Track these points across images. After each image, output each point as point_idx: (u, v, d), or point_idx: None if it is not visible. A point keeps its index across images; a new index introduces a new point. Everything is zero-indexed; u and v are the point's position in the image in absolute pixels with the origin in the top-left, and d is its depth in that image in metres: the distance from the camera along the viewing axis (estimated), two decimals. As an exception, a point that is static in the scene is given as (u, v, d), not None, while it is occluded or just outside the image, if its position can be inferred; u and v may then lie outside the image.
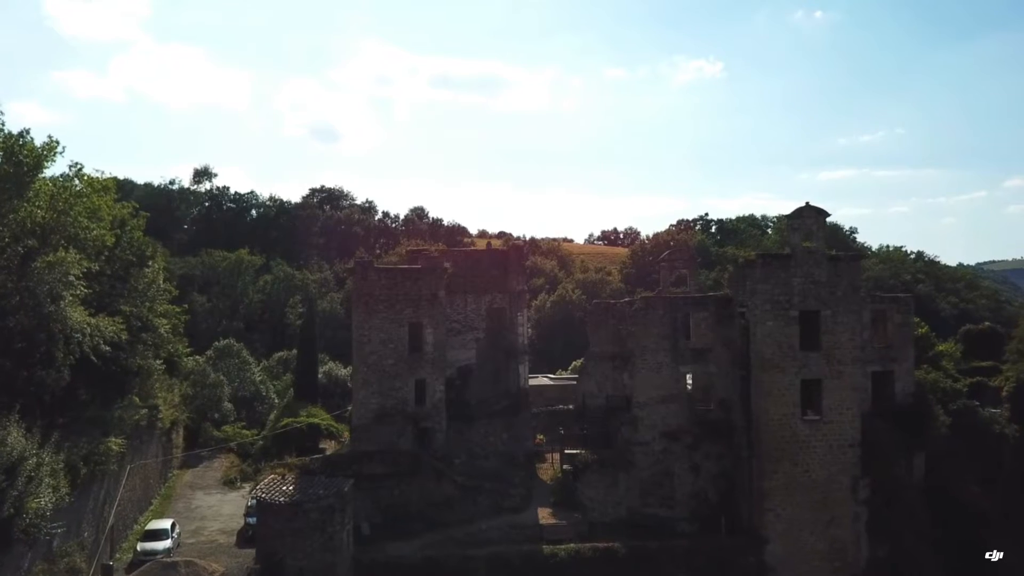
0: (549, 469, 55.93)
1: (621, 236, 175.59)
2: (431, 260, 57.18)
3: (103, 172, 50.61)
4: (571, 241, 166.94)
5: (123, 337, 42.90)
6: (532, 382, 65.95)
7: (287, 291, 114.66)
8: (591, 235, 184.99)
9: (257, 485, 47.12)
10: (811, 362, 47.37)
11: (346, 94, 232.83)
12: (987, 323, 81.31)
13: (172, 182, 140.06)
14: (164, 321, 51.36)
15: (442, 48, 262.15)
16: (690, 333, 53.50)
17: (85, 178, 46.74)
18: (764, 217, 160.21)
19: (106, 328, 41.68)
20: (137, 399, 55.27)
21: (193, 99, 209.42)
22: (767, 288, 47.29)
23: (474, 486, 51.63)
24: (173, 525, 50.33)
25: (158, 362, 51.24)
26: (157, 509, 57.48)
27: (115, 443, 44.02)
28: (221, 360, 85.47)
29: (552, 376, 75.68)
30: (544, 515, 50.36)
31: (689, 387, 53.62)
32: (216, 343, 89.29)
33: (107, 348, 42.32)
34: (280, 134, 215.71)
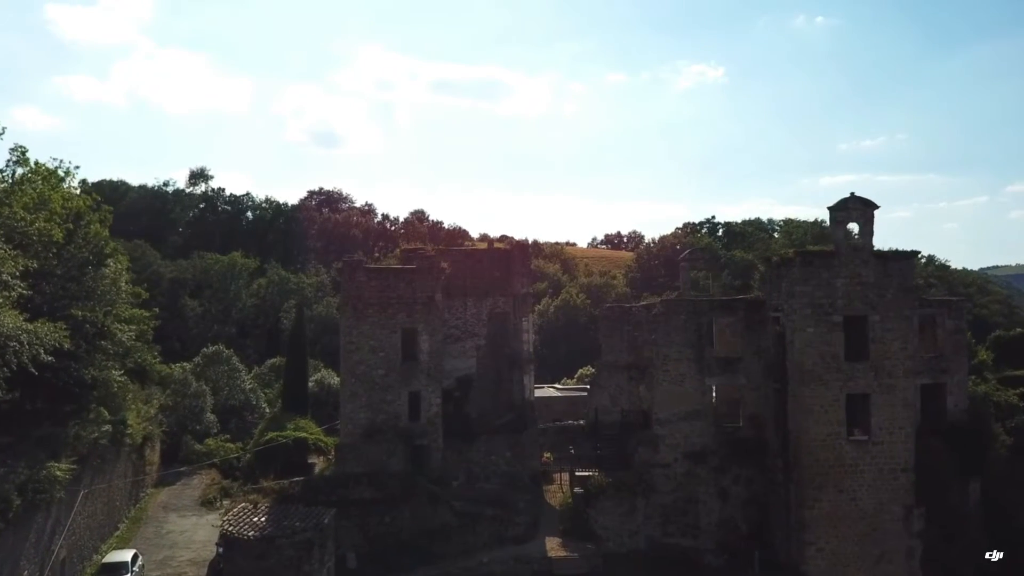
0: (558, 492, 49.13)
1: (625, 240, 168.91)
2: (427, 260, 50.42)
3: (60, 161, 44.05)
4: (574, 245, 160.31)
5: (65, 345, 36.07)
6: (538, 393, 59.18)
7: (282, 295, 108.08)
8: (594, 239, 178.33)
9: (225, 515, 40.33)
10: (857, 374, 40.59)
11: (347, 99, 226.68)
12: (1019, 329, 74.85)
13: (166, 183, 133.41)
14: (125, 327, 44.47)
15: (443, 53, 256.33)
16: (713, 341, 46.65)
17: (32, 165, 40.10)
18: (771, 221, 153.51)
19: (46, 335, 34.86)
20: (106, 412, 48.80)
21: (194, 104, 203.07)
22: (807, 290, 40.51)
23: (474, 512, 44.84)
24: (135, 557, 43.53)
25: (117, 372, 44.29)
26: (123, 535, 50.61)
27: (60, 468, 37.13)
28: (209, 367, 78.97)
29: (558, 386, 68.81)
30: (553, 546, 43.59)
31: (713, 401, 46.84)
32: (204, 349, 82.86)
33: (49, 358, 35.47)
34: (281, 139, 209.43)
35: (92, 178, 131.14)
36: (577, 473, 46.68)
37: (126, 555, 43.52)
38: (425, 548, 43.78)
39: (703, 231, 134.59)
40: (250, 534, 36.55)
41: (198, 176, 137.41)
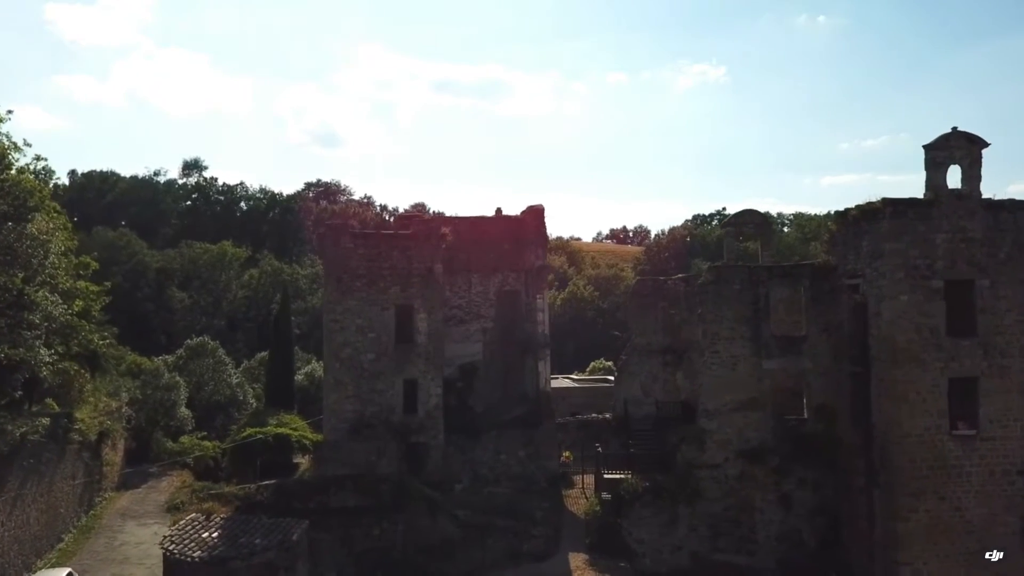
0: (580, 498, 40.01)
1: (631, 235, 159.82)
2: (425, 224, 41.41)
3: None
4: (579, 240, 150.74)
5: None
6: (553, 384, 50.04)
7: (275, 287, 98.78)
8: (599, 234, 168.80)
9: (170, 529, 31.09)
10: (963, 353, 31.45)
11: (347, 99, 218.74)
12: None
13: (157, 172, 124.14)
14: (57, 300, 35.10)
15: (443, 53, 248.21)
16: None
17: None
18: (780, 214, 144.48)
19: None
20: (53, 403, 39.84)
21: (195, 104, 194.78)
22: (899, 248, 31.32)
23: (482, 523, 35.81)
24: (68, 576, 34.24)
25: (47, 352, 34.94)
26: (67, 548, 41.17)
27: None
28: (192, 360, 69.81)
29: (575, 377, 59.53)
30: (578, 563, 34.57)
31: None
32: (188, 341, 73.72)
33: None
34: (282, 139, 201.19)
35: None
36: (605, 475, 37.56)
37: (58, 574, 34.26)
38: (423, 567, 34.86)
39: (713, 222, 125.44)
40: (196, 555, 27.37)
41: (192, 167, 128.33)
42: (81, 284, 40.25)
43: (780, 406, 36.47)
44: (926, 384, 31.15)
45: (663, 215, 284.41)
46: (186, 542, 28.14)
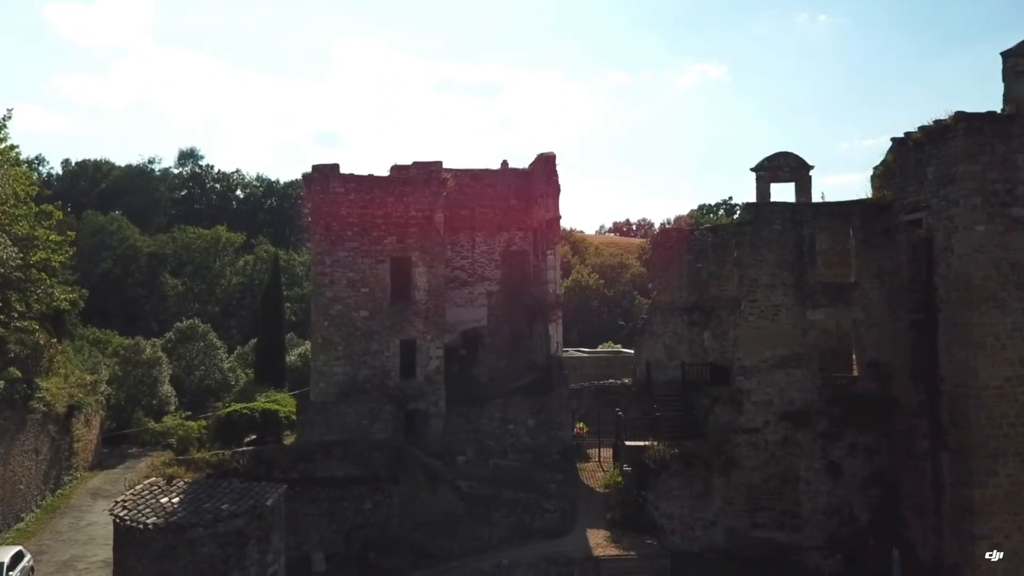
0: (597, 471, 35.12)
1: (634, 228, 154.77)
2: (424, 168, 36.59)
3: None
4: (582, 232, 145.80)
5: None
6: (564, 355, 45.22)
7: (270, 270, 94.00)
8: (602, 227, 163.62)
9: (124, 494, 26.05)
10: (1049, 292, 26.62)
11: (347, 98, 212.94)
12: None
13: (152, 161, 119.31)
14: (4, 240, 30.33)
15: (444, 52, 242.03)
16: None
17: None
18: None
19: None
20: (17, 372, 35.46)
21: (195, 103, 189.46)
22: (975, 170, 26.49)
23: (488, 496, 31.02)
24: (17, 556, 29.41)
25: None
26: (27, 528, 36.53)
27: None
28: (182, 344, 65.33)
29: (587, 350, 54.66)
30: (598, 540, 29.71)
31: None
32: (178, 324, 69.15)
33: None
34: (282, 139, 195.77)
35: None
36: (627, 443, 32.66)
37: (3, 555, 29.42)
38: (421, 544, 30.02)
39: (720, 212, 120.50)
40: (150, 521, 22.47)
41: (188, 156, 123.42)
42: (41, 232, 35.48)
43: (827, 363, 31.68)
44: (1006, 328, 26.33)
45: (665, 212, 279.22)
46: (140, 507, 23.27)
